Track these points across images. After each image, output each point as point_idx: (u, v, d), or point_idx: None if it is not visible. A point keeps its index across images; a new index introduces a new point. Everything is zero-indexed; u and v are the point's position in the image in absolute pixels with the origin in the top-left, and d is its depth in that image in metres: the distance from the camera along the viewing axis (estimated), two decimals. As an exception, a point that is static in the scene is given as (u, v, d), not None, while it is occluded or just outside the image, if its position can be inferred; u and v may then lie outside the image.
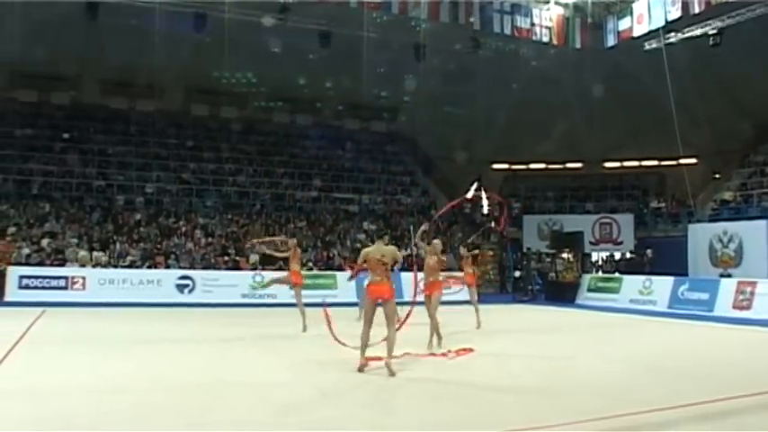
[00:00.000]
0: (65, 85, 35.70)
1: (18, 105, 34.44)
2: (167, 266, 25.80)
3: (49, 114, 35.16)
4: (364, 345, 10.17)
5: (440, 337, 12.92)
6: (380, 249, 10.48)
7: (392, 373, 9.73)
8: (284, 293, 23.00)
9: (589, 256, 33.88)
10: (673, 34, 27.90)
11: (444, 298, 13.76)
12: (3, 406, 7.63)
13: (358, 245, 30.02)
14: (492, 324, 17.83)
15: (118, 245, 26.63)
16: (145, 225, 28.89)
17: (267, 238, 17.78)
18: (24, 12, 27.31)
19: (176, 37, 29.67)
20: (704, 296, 21.69)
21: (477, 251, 21.79)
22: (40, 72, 34.28)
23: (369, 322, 10.23)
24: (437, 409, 7.91)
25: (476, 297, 17.82)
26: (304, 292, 16.23)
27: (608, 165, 42.10)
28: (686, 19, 26.35)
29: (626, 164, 41.80)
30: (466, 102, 37.88)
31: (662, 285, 23.38)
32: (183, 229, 29.25)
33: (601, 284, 26.38)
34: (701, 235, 29.15)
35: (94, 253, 25.73)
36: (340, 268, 27.53)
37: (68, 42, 30.92)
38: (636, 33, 27.84)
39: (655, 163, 40.38)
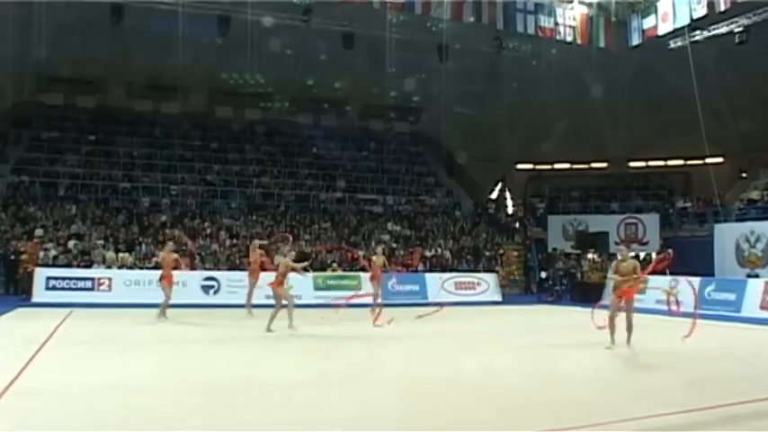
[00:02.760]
0: (91, 88, 36.01)
1: (45, 108, 34.85)
2: (192, 268, 25.90)
3: (76, 117, 35.51)
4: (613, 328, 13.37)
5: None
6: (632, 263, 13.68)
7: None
8: (308, 294, 23.17)
9: (615, 256, 33.65)
10: (698, 32, 27.69)
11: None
12: (32, 405, 7.71)
13: (383, 246, 30.04)
14: (517, 325, 17.80)
15: (143, 246, 26.80)
16: (170, 226, 29.05)
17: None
18: (51, 16, 27.57)
19: (200, 40, 29.83)
20: (731, 296, 21.46)
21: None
22: (67, 76, 34.62)
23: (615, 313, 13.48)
24: (464, 409, 7.89)
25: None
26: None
27: (633, 164, 41.89)
28: (712, 17, 26.16)
29: (651, 163, 41.56)
30: (490, 102, 37.78)
31: (688, 286, 23.13)
32: (208, 230, 29.38)
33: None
34: (727, 235, 28.85)
35: (120, 254, 25.90)
36: (364, 269, 27.52)
37: (94, 46, 31.24)
38: (661, 32, 27.68)
39: (680, 162, 40.13)
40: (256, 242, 20.72)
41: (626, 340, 13.43)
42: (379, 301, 19.93)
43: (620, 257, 14.08)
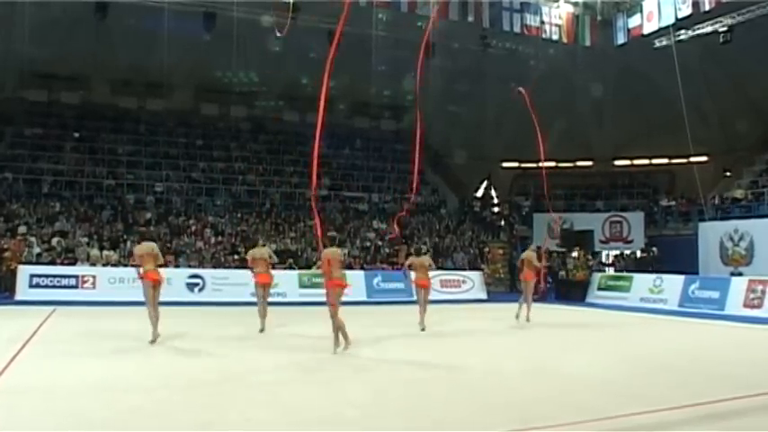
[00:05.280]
0: (75, 84, 35.85)
1: (28, 105, 34.63)
2: (177, 265, 25.83)
3: (59, 114, 35.29)
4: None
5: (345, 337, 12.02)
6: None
7: None
8: (293, 293, 23.13)
9: (599, 254, 33.77)
10: (683, 31, 27.81)
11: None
12: (15, 404, 7.66)
13: (368, 243, 30.02)
14: (501, 323, 17.80)
15: (128, 243, 26.64)
16: (155, 224, 28.93)
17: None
18: (35, 12, 27.42)
19: (185, 37, 29.72)
20: (715, 295, 21.58)
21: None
22: (51, 72, 34.48)
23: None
24: (438, 407, 7.91)
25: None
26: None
27: (618, 163, 42.05)
28: (696, 16, 26.25)
29: (636, 162, 41.74)
30: (475, 100, 37.82)
31: (672, 284, 23.29)
32: (193, 227, 29.28)
33: (611, 283, 26.29)
34: (711, 233, 29.02)
35: (104, 252, 25.78)
36: (350, 267, 27.55)
37: (78, 42, 31.06)
38: (646, 31, 27.76)
39: (665, 161, 40.31)
40: (260, 242, 17.26)
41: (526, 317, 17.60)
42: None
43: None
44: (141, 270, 13.17)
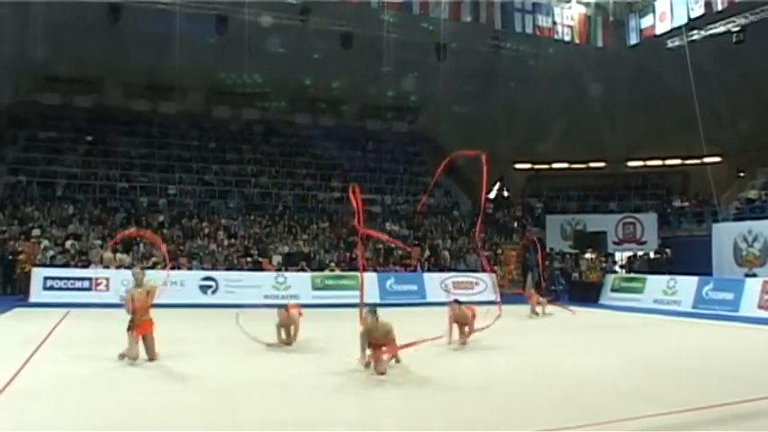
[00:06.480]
0: (88, 87, 36.00)
1: (42, 108, 34.83)
2: (190, 268, 25.89)
3: (73, 117, 35.47)
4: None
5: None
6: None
7: None
8: (307, 294, 23.14)
9: (612, 255, 33.63)
10: (695, 32, 27.72)
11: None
12: (29, 406, 7.68)
13: (380, 245, 29.99)
14: (515, 324, 17.76)
15: (141, 246, 26.73)
16: (168, 226, 29.01)
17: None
18: (48, 15, 27.57)
19: (198, 39, 29.80)
20: (729, 296, 21.44)
21: None
22: (64, 75, 34.61)
23: None
24: (456, 409, 7.90)
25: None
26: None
27: (631, 164, 41.89)
28: (709, 16, 26.15)
29: (649, 163, 41.57)
30: (488, 102, 37.74)
31: (686, 285, 23.15)
32: (206, 230, 29.35)
33: (624, 284, 26.16)
34: (725, 234, 28.84)
35: (118, 254, 25.85)
36: (363, 269, 27.50)
37: (91, 46, 31.21)
38: (658, 31, 27.68)
39: (678, 162, 40.14)
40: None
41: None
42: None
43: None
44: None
